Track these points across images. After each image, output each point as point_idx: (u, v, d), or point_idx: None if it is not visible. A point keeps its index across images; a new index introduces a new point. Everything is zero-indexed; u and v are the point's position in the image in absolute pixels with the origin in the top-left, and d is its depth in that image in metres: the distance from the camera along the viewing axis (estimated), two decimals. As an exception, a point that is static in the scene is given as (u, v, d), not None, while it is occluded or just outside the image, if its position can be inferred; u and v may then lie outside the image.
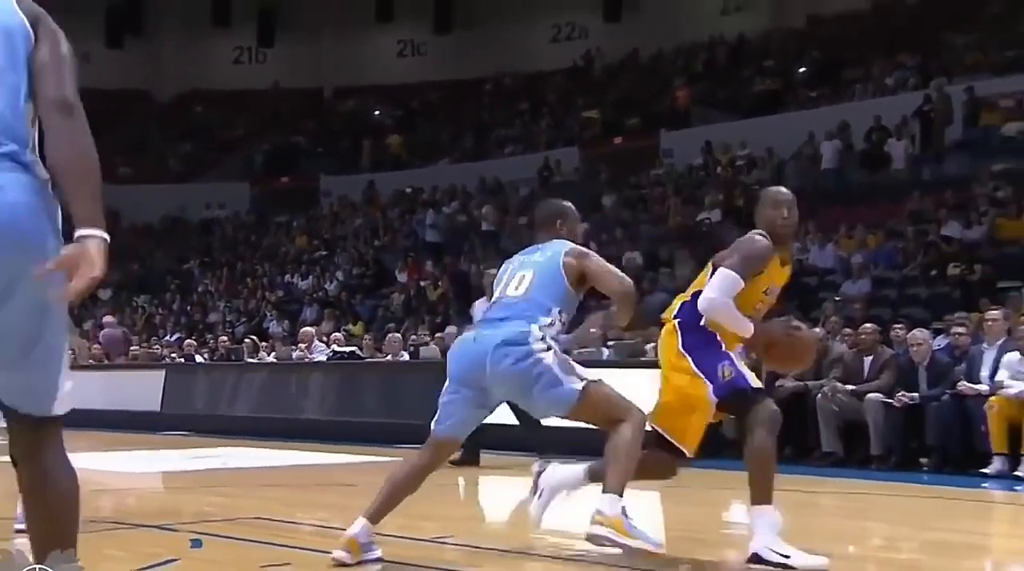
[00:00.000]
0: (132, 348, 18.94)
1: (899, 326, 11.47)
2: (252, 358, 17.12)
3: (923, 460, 10.15)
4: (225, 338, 19.32)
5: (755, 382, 5.04)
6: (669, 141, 24.15)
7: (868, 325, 11.33)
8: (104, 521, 5.53)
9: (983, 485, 9.18)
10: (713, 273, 5.14)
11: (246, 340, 18.36)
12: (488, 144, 28.43)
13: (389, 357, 14.83)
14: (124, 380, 17.20)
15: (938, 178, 18.45)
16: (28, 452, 2.65)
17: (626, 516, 4.74)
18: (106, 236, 2.49)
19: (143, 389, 16.10)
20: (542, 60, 30.72)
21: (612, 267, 5.19)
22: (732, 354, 5.07)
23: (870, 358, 10.82)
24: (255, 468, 10.49)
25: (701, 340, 5.11)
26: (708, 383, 4.97)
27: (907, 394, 10.10)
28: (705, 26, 28.22)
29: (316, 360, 15.64)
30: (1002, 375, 9.79)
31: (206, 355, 18.55)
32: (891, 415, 10.22)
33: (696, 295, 5.20)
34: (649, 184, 22.98)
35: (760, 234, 5.18)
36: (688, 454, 5.12)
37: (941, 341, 11.29)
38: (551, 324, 4.93)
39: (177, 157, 30.79)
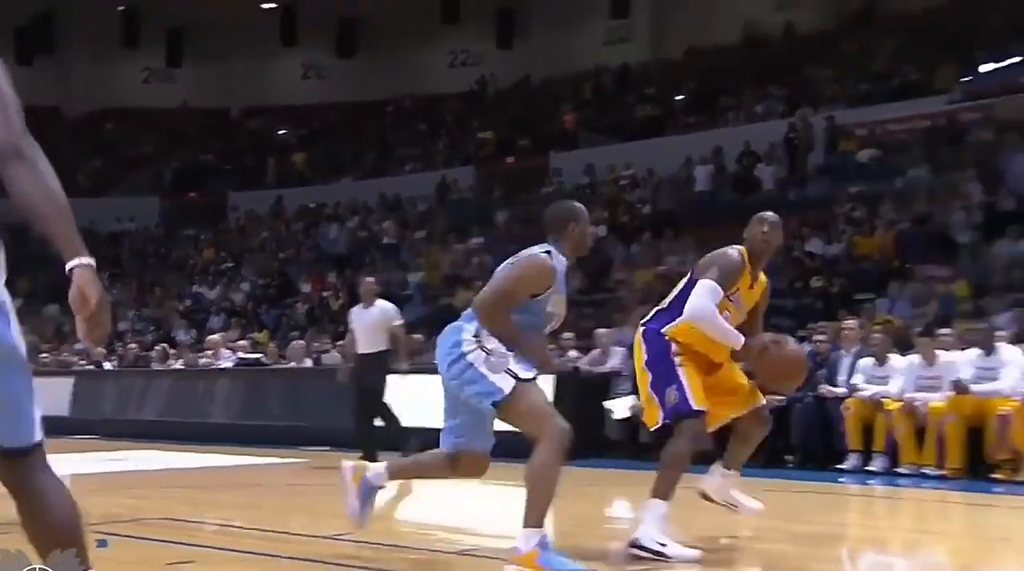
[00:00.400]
0: (42, 356, 18.46)
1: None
2: (160, 365, 16.84)
3: (788, 457, 10.36)
4: (135, 346, 18.95)
5: (696, 404, 5.11)
6: (558, 161, 24.29)
7: (739, 334, 11.53)
8: (12, 523, 5.41)
9: (840, 480, 9.41)
10: (689, 283, 5.27)
11: (156, 348, 18.04)
12: (389, 162, 28.31)
13: (293, 364, 14.72)
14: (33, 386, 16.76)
15: (802, 199, 18.76)
16: (16, 485, 2.50)
17: (544, 548, 4.46)
18: (90, 261, 2.46)
19: (52, 395, 15.71)
20: (440, 84, 30.69)
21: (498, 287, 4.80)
22: (682, 374, 5.15)
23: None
24: (162, 470, 10.31)
25: (660, 353, 5.23)
26: (659, 408, 5.17)
27: (774, 396, 10.30)
28: (591, 55, 28.42)
29: (222, 366, 15.46)
30: (857, 379, 10.06)
31: (115, 362, 18.18)
32: (762, 416, 10.40)
33: (672, 304, 5.31)
34: (539, 201, 22.99)
35: (733, 248, 5.34)
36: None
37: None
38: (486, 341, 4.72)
39: (87, 173, 30.02)
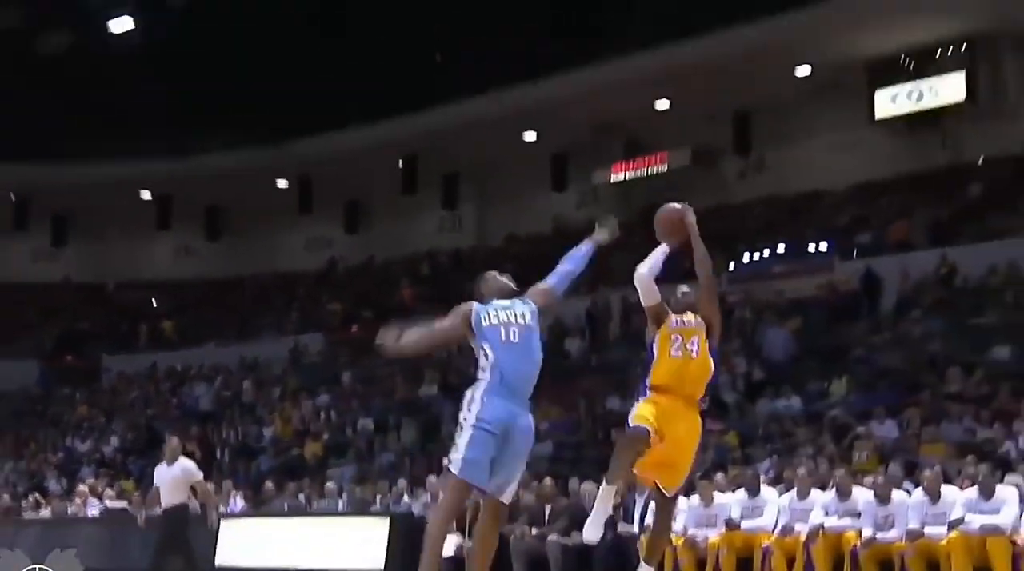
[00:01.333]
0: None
1: (574, 480, 11.79)
2: (31, 513, 15.85)
3: (592, 587, 10.34)
4: (6, 496, 17.76)
5: (633, 421, 5.34)
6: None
7: (548, 479, 11.62)
8: None
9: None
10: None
11: (28, 497, 16.99)
12: (249, 330, 27.85)
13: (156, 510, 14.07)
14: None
15: (602, 364, 19.13)
16: None
17: None
18: None
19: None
20: (295, 263, 30.46)
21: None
22: (636, 405, 5.45)
23: (550, 506, 11.06)
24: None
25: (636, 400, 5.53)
26: None
27: (579, 535, 10.32)
28: (426, 240, 28.72)
29: (90, 515, 14.65)
30: (649, 518, 10.20)
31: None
32: (567, 552, 10.41)
33: (645, 363, 5.60)
34: (380, 364, 22.95)
35: None
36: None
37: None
38: (479, 379, 5.22)
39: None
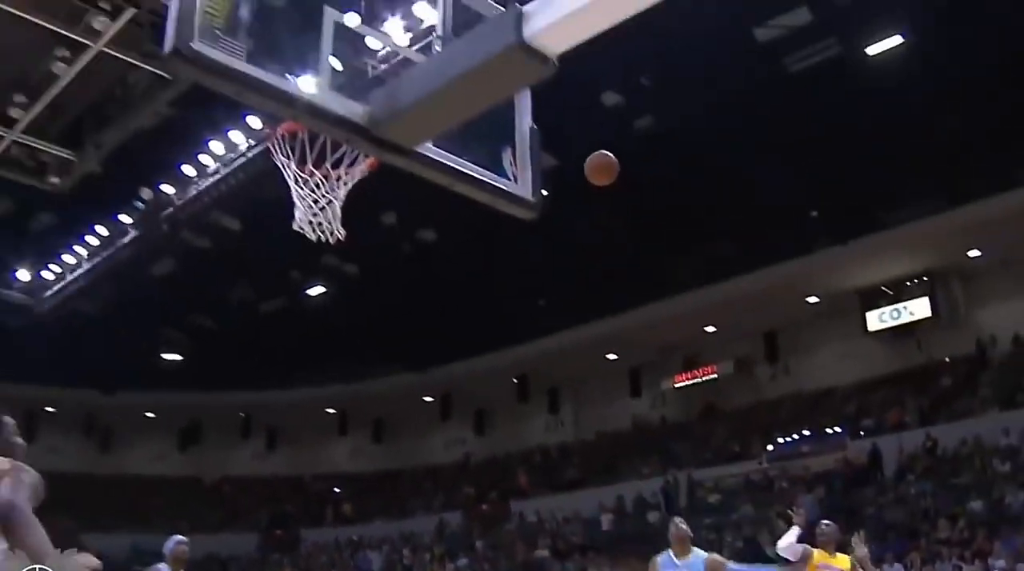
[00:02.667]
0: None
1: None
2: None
3: None
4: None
5: None
6: (516, 507, 24.48)
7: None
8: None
9: None
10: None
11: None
12: (406, 510, 28.40)
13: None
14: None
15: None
16: None
17: None
18: None
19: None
20: (438, 458, 31.08)
21: None
22: None
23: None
24: None
25: None
26: None
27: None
28: (536, 437, 29.03)
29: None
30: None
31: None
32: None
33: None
34: (505, 533, 23.26)
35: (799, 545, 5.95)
36: None
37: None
38: None
39: (210, 522, 29.79)
